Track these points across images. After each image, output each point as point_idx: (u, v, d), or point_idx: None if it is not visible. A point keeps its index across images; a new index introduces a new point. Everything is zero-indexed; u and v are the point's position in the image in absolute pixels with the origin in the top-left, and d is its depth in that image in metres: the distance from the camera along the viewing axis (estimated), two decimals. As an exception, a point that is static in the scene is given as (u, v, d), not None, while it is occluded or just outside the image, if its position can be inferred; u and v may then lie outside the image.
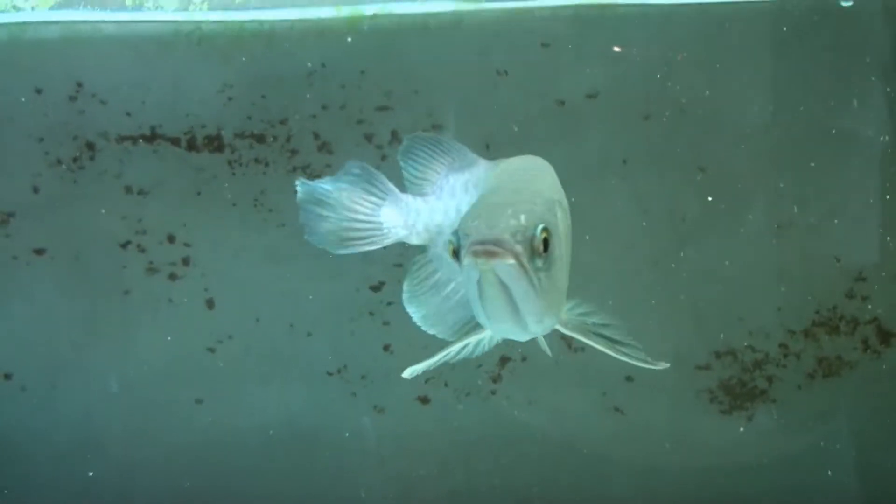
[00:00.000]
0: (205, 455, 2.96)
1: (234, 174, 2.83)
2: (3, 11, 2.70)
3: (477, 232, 1.40)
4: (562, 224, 1.54)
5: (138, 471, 2.96)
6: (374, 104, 2.82)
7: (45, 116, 2.77)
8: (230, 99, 2.81)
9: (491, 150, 2.78)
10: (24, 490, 2.96)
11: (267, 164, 2.83)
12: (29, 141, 2.79)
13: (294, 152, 2.83)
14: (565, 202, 1.65)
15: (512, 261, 1.36)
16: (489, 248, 1.36)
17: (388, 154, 2.83)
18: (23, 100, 2.77)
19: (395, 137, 2.82)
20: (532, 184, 1.65)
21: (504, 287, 1.39)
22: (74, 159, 2.81)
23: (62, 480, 2.95)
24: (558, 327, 1.61)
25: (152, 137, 2.80)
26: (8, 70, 2.78)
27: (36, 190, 2.82)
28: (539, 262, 1.41)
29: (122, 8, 2.71)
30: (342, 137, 2.83)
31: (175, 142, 2.81)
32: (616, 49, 2.76)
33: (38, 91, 2.77)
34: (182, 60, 2.79)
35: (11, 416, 2.89)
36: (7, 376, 2.88)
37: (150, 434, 2.94)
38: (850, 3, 2.66)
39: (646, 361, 1.62)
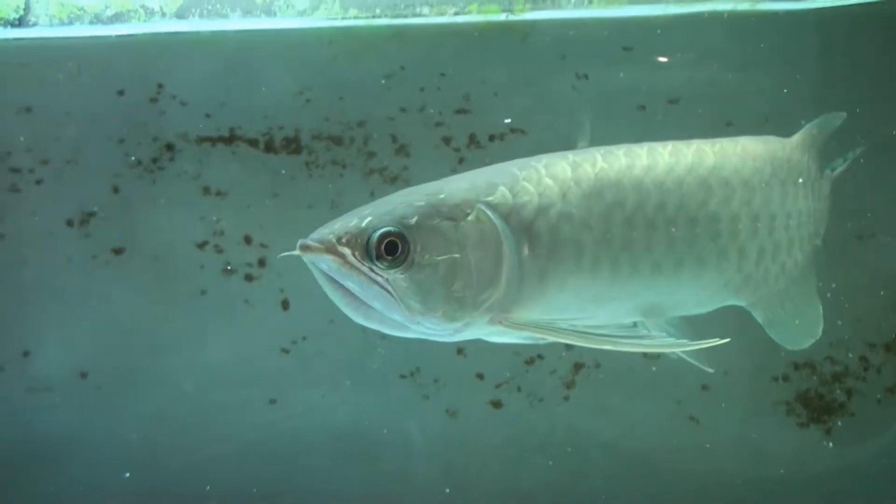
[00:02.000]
0: (277, 455, 2.96)
1: (311, 176, 2.82)
2: (130, 12, 2.67)
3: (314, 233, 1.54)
4: (476, 230, 1.58)
5: (209, 470, 2.96)
6: (453, 107, 2.80)
7: (126, 118, 2.77)
8: (308, 101, 2.80)
9: (569, 155, 2.77)
10: (95, 488, 2.97)
11: (344, 167, 2.82)
12: (110, 142, 2.79)
13: (371, 154, 2.82)
14: (557, 206, 1.67)
15: (328, 256, 1.48)
16: (305, 243, 1.51)
17: (465, 157, 2.81)
18: (104, 102, 2.77)
19: (472, 141, 2.80)
20: (458, 182, 1.67)
21: (334, 282, 1.53)
22: (154, 160, 2.80)
23: (134, 479, 2.97)
24: (502, 328, 1.63)
25: (231, 139, 2.79)
26: (90, 72, 2.78)
27: (116, 190, 2.82)
28: (383, 264, 1.49)
29: (251, 13, 2.70)
30: (420, 140, 2.82)
31: (253, 143, 2.80)
32: (662, 59, 2.72)
33: (120, 93, 2.77)
34: (261, 62, 2.78)
35: (87, 414, 2.90)
36: (83, 374, 2.89)
37: (222, 434, 2.95)
38: None
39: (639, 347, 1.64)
